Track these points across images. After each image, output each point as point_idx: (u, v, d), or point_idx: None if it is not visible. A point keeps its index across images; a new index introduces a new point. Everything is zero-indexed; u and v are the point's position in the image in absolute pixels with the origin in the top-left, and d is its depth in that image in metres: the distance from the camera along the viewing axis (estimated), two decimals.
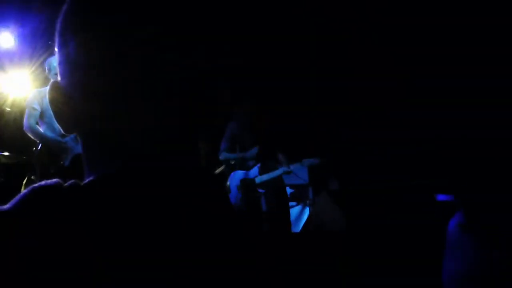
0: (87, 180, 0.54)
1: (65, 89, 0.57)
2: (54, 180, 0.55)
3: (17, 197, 0.53)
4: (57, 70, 0.59)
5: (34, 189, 0.53)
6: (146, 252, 0.49)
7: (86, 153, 0.58)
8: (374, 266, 2.77)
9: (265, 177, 3.99)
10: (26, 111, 3.54)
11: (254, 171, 4.08)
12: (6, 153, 4.54)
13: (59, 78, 0.59)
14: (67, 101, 0.56)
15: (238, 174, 4.15)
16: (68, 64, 0.57)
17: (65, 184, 0.54)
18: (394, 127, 4.77)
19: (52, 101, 0.58)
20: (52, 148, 3.50)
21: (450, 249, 0.97)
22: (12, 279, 0.45)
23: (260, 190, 4.01)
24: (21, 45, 4.38)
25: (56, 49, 0.59)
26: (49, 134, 3.53)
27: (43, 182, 0.54)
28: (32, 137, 3.55)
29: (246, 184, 4.02)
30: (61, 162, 3.50)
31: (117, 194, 0.52)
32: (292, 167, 4.07)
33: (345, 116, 5.27)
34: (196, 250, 0.51)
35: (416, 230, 3.00)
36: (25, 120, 3.54)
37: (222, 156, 4.20)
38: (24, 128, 3.54)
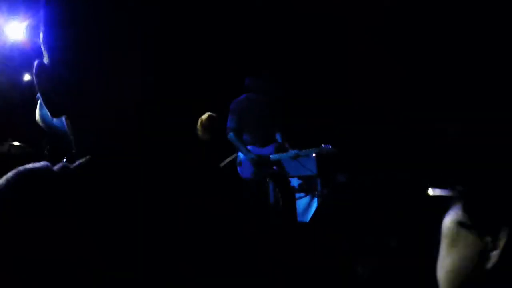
0: (76, 164, 0.52)
1: (50, 69, 0.55)
2: (42, 163, 0.53)
3: (2, 180, 0.49)
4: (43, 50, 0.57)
5: (21, 172, 0.50)
6: (130, 245, 0.46)
7: (73, 135, 0.57)
8: (374, 260, 2.77)
9: (278, 156, 4.15)
10: (38, 102, 3.56)
11: (269, 149, 4.18)
12: (17, 143, 4.58)
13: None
14: (53, 82, 0.54)
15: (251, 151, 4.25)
16: (51, 42, 0.54)
17: (54, 168, 0.52)
18: (396, 121, 4.75)
19: (38, 82, 0.55)
20: (62, 138, 3.53)
21: (446, 245, 0.94)
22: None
23: (274, 168, 4.14)
24: (30, 35, 4.38)
25: (40, 30, 0.56)
26: (59, 124, 3.55)
27: (30, 165, 0.51)
28: (43, 128, 3.57)
29: (262, 160, 4.13)
30: (73, 151, 3.53)
31: (103, 182, 0.49)
32: (304, 152, 4.17)
33: (349, 109, 5.27)
34: (183, 245, 0.47)
35: (413, 225, 2.99)
36: (37, 111, 3.56)
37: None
38: (36, 119, 3.56)
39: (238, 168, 4.27)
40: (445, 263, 0.91)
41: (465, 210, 0.94)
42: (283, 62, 4.97)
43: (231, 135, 4.20)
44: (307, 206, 4.92)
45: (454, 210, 0.96)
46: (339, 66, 5.19)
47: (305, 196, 4.95)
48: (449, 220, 0.95)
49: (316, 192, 4.86)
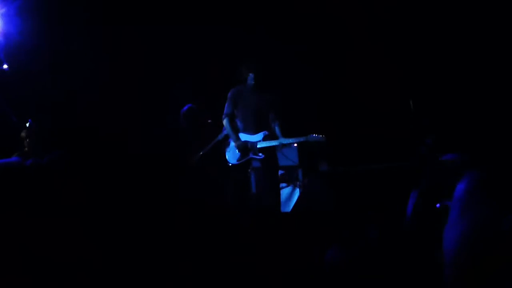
0: (45, 159, 0.54)
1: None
2: (14, 158, 0.55)
3: None
4: None
5: None
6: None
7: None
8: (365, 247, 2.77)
9: (265, 143, 4.19)
10: None
11: (258, 136, 4.22)
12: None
13: None
14: None
15: (241, 137, 4.27)
16: None
17: (25, 162, 0.55)
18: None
19: None
20: None
21: (458, 211, 0.92)
22: None
23: (260, 154, 4.15)
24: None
25: None
26: None
27: (3, 160, 0.53)
28: None
29: (247, 147, 4.20)
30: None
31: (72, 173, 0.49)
32: (291, 140, 4.20)
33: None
34: None
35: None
36: None
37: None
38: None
39: (226, 154, 4.31)
40: (456, 229, 0.89)
41: (481, 176, 0.93)
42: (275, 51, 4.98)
43: (225, 121, 4.30)
44: (289, 196, 4.93)
45: (468, 176, 0.96)
46: (331, 60, 5.21)
47: (287, 186, 4.96)
48: (463, 185, 0.94)
49: (298, 182, 4.87)
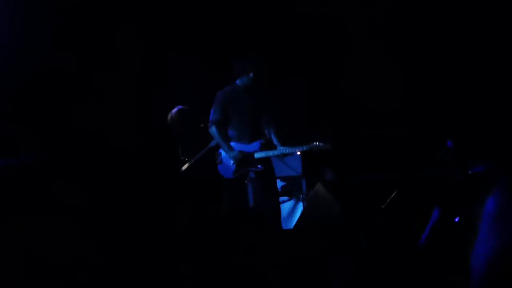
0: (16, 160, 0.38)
1: None
2: None
3: None
4: None
5: None
6: None
7: None
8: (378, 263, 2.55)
9: (263, 154, 3.78)
10: None
11: (254, 146, 3.81)
12: None
13: None
14: None
15: (234, 147, 3.84)
16: None
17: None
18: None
19: None
20: None
21: (488, 226, 0.91)
22: None
23: (259, 166, 3.71)
24: None
25: None
26: None
27: None
28: None
29: (245, 158, 3.75)
30: None
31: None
32: (293, 149, 3.81)
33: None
34: None
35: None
36: None
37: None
38: None
39: (219, 167, 3.85)
40: (487, 243, 0.87)
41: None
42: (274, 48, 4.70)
43: (213, 129, 3.83)
44: (291, 211, 4.52)
45: (499, 188, 0.94)
46: (336, 63, 4.95)
47: (289, 200, 4.55)
48: (494, 198, 0.93)
49: (301, 195, 4.45)
